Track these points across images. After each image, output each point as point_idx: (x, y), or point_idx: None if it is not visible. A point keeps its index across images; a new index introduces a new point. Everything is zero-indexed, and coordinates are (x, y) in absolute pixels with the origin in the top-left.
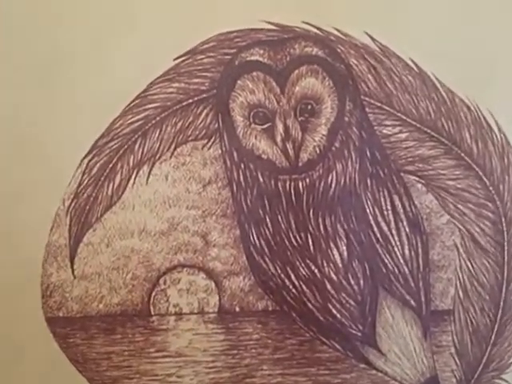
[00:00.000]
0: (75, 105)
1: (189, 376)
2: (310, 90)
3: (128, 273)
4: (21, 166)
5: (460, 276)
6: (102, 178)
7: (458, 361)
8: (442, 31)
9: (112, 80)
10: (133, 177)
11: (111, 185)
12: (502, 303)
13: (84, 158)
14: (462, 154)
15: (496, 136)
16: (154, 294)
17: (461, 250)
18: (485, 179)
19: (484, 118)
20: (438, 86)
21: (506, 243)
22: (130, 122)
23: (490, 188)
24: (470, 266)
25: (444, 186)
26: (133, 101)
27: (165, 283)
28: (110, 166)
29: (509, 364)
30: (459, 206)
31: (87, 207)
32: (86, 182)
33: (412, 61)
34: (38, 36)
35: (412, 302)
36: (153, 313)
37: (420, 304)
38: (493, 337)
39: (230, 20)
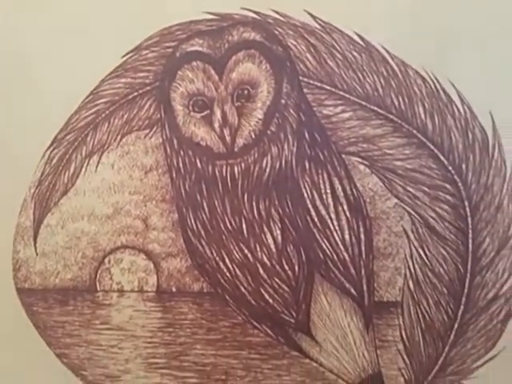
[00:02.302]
0: (38, 104)
1: (129, 349)
2: (246, 75)
3: (79, 252)
4: None
5: (410, 265)
6: (60, 168)
7: (406, 359)
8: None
9: (68, 79)
10: (84, 165)
11: (67, 173)
12: (463, 299)
13: (46, 150)
14: (414, 131)
15: (458, 109)
16: (99, 271)
17: (411, 237)
18: (442, 158)
19: (443, 89)
20: (388, 58)
21: (470, 231)
22: (84, 116)
23: (449, 168)
24: (422, 254)
25: (391, 167)
26: (86, 97)
27: (109, 262)
28: (67, 156)
29: (472, 369)
30: (409, 188)
31: (48, 193)
32: (47, 171)
33: (357, 34)
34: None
35: (352, 291)
36: (98, 289)
37: (362, 293)
38: (452, 336)
39: (174, 14)
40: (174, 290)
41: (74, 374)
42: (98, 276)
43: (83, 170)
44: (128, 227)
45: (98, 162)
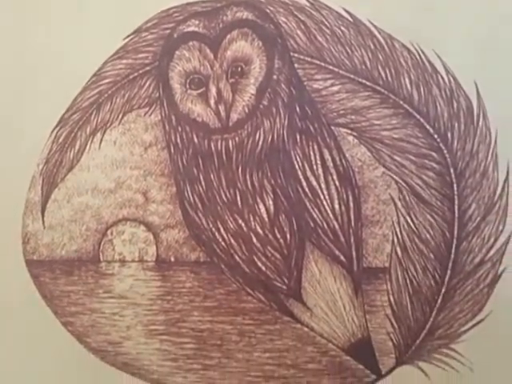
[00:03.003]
0: (46, 86)
1: (130, 316)
2: (240, 52)
3: (83, 225)
4: (7, 140)
5: (398, 232)
6: (66, 145)
7: (394, 323)
8: None
9: (74, 63)
10: (89, 143)
11: (73, 150)
12: (450, 264)
13: (53, 129)
14: (401, 102)
15: (443, 79)
16: (102, 243)
17: (399, 205)
18: (427, 126)
19: (429, 61)
20: (376, 32)
21: (456, 197)
22: (88, 96)
23: (435, 136)
24: (409, 221)
25: (378, 137)
26: (90, 79)
27: (111, 234)
28: (72, 135)
29: (460, 333)
30: (396, 157)
31: (55, 170)
32: (54, 149)
33: (345, 10)
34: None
35: (342, 258)
36: (101, 259)
37: (351, 260)
38: (439, 301)
39: None
40: (172, 259)
41: (78, 341)
42: (101, 247)
43: (87, 147)
44: (129, 200)
45: (101, 140)
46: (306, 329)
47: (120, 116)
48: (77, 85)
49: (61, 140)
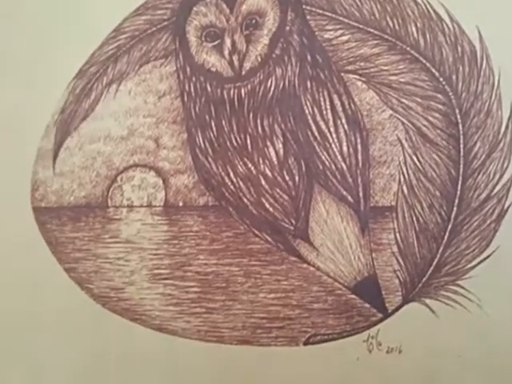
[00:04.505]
0: (65, 40)
1: (135, 261)
2: (255, 6)
3: (93, 171)
4: (23, 91)
5: (404, 171)
6: (82, 96)
7: (401, 261)
8: None
9: (94, 18)
10: (104, 93)
11: (88, 101)
12: (456, 200)
13: (71, 81)
14: (408, 48)
15: (447, 26)
16: (112, 189)
17: (405, 145)
18: (433, 70)
19: (434, 10)
20: None
21: (461, 136)
22: (105, 51)
23: (440, 79)
24: (416, 160)
25: (386, 82)
26: (109, 34)
27: (121, 180)
28: (89, 86)
29: (467, 269)
30: (403, 100)
31: (69, 119)
32: (70, 99)
33: None
34: None
35: (349, 198)
36: (109, 205)
37: (358, 200)
38: (446, 237)
39: None
40: (180, 204)
41: (80, 288)
42: (110, 193)
43: (102, 96)
44: (140, 147)
45: (117, 90)
46: (312, 268)
47: (136, 68)
48: (96, 40)
49: (77, 91)
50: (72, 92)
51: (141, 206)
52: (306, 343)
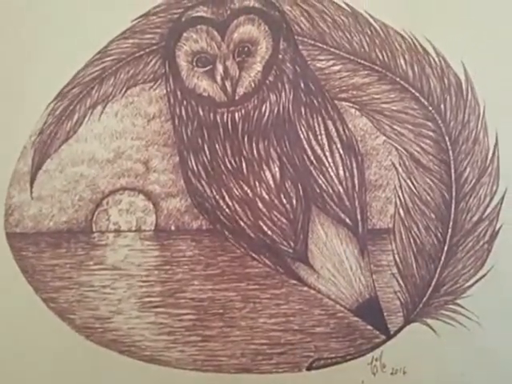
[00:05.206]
0: (43, 60)
1: (122, 288)
2: (247, 34)
3: (76, 195)
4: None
5: (400, 194)
6: (63, 118)
7: (401, 281)
8: None
9: (78, 39)
10: (88, 115)
11: (70, 122)
12: (451, 223)
13: (50, 102)
14: (397, 79)
15: (434, 60)
16: (96, 213)
17: (399, 170)
18: (422, 100)
19: (420, 45)
20: (372, 21)
21: (452, 162)
22: (90, 72)
23: (430, 108)
24: (410, 184)
25: (379, 109)
26: (94, 56)
27: (107, 204)
28: (71, 107)
29: (464, 288)
30: (395, 126)
31: (48, 141)
32: (50, 121)
33: (344, 2)
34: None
35: (347, 221)
36: (94, 230)
37: (356, 222)
38: (442, 258)
39: None
40: (172, 228)
41: (61, 319)
42: (94, 218)
43: (86, 119)
44: (128, 170)
45: (102, 112)
46: (312, 291)
47: (123, 90)
48: (78, 61)
49: (57, 113)
50: (52, 113)
51: (129, 231)
52: (309, 368)
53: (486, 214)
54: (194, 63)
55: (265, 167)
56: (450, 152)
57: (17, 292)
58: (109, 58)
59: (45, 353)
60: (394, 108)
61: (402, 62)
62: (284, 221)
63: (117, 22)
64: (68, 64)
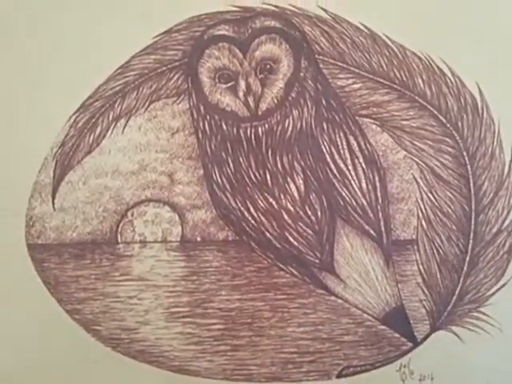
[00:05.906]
0: (69, 73)
1: (149, 299)
2: (268, 53)
3: (100, 206)
4: (21, 123)
5: (422, 207)
6: (85, 130)
7: (426, 291)
8: None
9: (101, 54)
10: (111, 128)
11: (92, 135)
12: (472, 234)
13: (73, 114)
14: (416, 97)
15: (450, 80)
16: (121, 224)
17: (421, 183)
18: (441, 117)
19: (437, 65)
20: (389, 43)
21: (470, 176)
22: (112, 86)
23: (448, 125)
24: (431, 197)
25: (399, 126)
26: (116, 70)
27: (132, 215)
28: (93, 120)
29: (487, 297)
30: (415, 142)
31: (71, 153)
32: (71, 133)
33: (362, 24)
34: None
35: (372, 232)
36: (119, 241)
37: (380, 233)
38: (465, 268)
39: (200, 5)
40: (198, 239)
41: (86, 331)
42: (119, 229)
43: (109, 132)
44: (153, 182)
45: (125, 125)
46: (340, 301)
47: (146, 104)
48: (101, 75)
49: (80, 125)
50: (74, 126)
51: (155, 242)
52: (338, 376)
53: (505, 225)
54: (217, 79)
55: (289, 180)
56: (469, 167)
57: (38, 303)
58: (131, 73)
59: (69, 363)
60: (413, 125)
61: (420, 81)
62: (310, 232)
63: (138, 39)
64: (90, 77)
